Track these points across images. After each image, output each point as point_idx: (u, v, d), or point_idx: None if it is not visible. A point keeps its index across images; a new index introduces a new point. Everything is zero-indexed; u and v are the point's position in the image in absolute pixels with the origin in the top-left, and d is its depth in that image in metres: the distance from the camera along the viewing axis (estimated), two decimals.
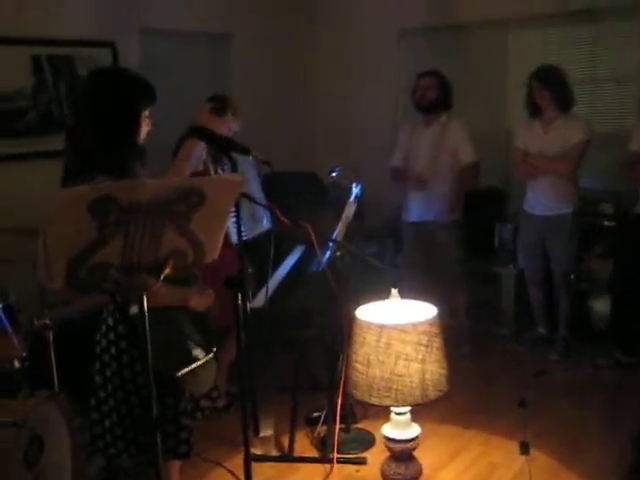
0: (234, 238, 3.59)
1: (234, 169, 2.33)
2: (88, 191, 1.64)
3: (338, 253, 3.47)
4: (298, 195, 5.18)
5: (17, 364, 2.88)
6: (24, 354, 2.94)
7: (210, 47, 5.44)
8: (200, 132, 2.35)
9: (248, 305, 2.61)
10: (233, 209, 3.51)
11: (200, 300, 2.39)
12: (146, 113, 2.31)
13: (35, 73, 4.23)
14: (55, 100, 4.32)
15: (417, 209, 4.55)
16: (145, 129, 2.32)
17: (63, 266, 1.64)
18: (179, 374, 2.36)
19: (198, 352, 2.43)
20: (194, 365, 2.41)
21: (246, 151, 2.33)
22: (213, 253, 1.93)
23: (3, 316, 2.88)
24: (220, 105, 3.53)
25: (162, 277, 1.82)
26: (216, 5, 5.30)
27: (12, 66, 4.13)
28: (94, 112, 2.25)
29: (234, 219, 3.63)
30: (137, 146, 2.30)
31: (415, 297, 2.95)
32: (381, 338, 2.67)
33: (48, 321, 3.03)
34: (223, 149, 2.33)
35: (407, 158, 4.57)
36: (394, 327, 2.67)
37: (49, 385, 3.00)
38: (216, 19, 5.32)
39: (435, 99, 4.37)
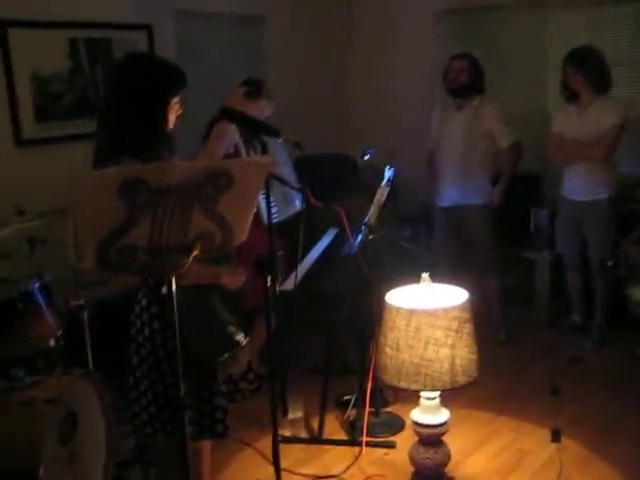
0: (266, 220, 3.61)
1: (264, 151, 2.32)
2: (117, 173, 1.65)
3: (370, 237, 3.46)
4: (331, 177, 5.17)
5: (52, 342, 2.94)
6: (59, 333, 3.00)
7: (244, 29, 5.43)
8: (231, 114, 2.36)
9: (278, 287, 2.63)
10: (264, 190, 3.57)
11: (232, 279, 2.39)
12: (175, 99, 2.31)
13: (72, 56, 4.27)
14: (91, 83, 4.36)
15: (449, 194, 4.50)
16: (174, 115, 2.32)
17: (93, 247, 1.67)
18: (221, 359, 2.38)
19: (240, 337, 2.44)
20: (236, 350, 2.43)
21: (276, 133, 2.34)
22: (241, 235, 1.94)
23: (39, 295, 2.94)
24: (254, 89, 3.52)
25: (190, 258, 1.83)
26: None
27: (49, 49, 4.17)
28: (124, 96, 2.26)
29: (265, 199, 3.68)
30: (165, 131, 2.31)
31: (447, 282, 2.93)
32: (411, 323, 2.66)
33: (82, 301, 3.08)
34: (253, 131, 2.33)
35: (438, 142, 4.53)
36: (424, 312, 2.66)
37: (83, 363, 3.06)
38: (249, 1, 5.30)
39: (467, 82, 4.30)
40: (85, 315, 3.08)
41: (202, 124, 3.27)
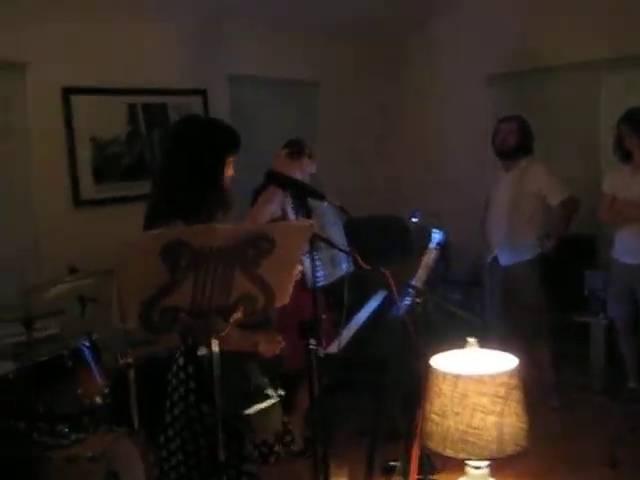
0: (310, 282, 3.62)
1: (308, 215, 2.35)
2: (160, 236, 1.69)
3: (418, 300, 3.43)
4: (381, 239, 5.18)
5: (99, 400, 2.97)
6: (106, 390, 3.03)
7: (296, 94, 5.57)
8: (275, 177, 2.39)
9: (322, 350, 2.61)
10: (310, 253, 3.59)
11: (269, 347, 2.38)
12: (230, 160, 2.35)
13: (130, 121, 4.45)
14: (148, 146, 4.52)
15: (498, 254, 4.48)
16: (228, 176, 2.36)
17: (136, 308, 1.70)
18: (249, 411, 2.36)
19: (270, 391, 2.43)
20: (265, 404, 2.41)
21: (321, 196, 2.36)
22: (283, 298, 1.95)
23: (87, 353, 2.99)
24: (296, 149, 3.61)
25: (232, 321, 1.85)
26: (302, 54, 5.43)
27: (109, 114, 4.36)
28: (181, 157, 2.30)
29: (311, 262, 3.70)
30: (220, 191, 2.33)
31: (498, 346, 2.86)
32: (457, 388, 2.60)
33: (131, 360, 3.12)
34: (298, 194, 2.36)
35: (488, 203, 4.55)
36: (470, 378, 2.59)
37: (129, 421, 3.08)
38: (303, 67, 5.45)
39: (515, 144, 4.32)
40: (132, 374, 3.12)
41: (253, 186, 3.34)
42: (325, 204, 2.52)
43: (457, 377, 2.63)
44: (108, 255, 2.86)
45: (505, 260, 4.43)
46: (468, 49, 5.70)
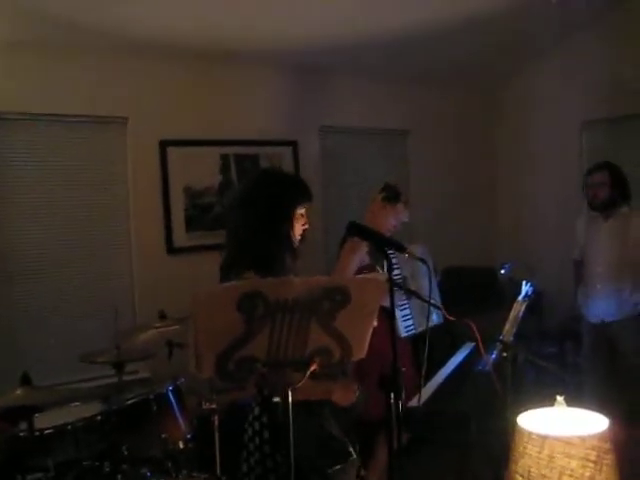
0: (401, 332, 3.57)
1: (390, 266, 2.33)
2: (236, 288, 1.72)
3: (504, 354, 3.32)
4: (472, 289, 5.08)
5: (182, 445, 3.01)
6: (189, 436, 3.07)
7: (387, 142, 5.61)
8: (355, 229, 2.39)
9: (403, 404, 2.56)
10: (403, 303, 3.54)
11: (344, 395, 2.36)
12: (301, 212, 2.39)
13: (223, 171, 4.59)
14: None
15: (599, 308, 4.25)
16: (299, 228, 2.40)
17: (212, 358, 1.72)
18: (332, 470, 2.33)
19: (352, 450, 2.40)
20: (347, 463, 2.38)
21: (401, 248, 2.34)
22: (360, 352, 1.93)
23: (172, 398, 3.05)
24: (392, 194, 3.60)
25: (308, 374, 1.84)
26: (393, 103, 5.48)
27: (203, 165, 4.52)
28: (251, 209, 2.35)
29: (403, 312, 3.65)
30: (289, 242, 2.37)
31: (592, 404, 2.72)
32: (543, 450, 2.47)
33: (215, 405, 3.15)
34: (379, 246, 2.35)
35: (585, 253, 4.34)
36: (558, 439, 2.46)
37: (211, 467, 3.10)
38: (393, 116, 5.49)
39: (609, 197, 4.13)
40: (216, 419, 3.14)
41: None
42: (406, 256, 2.49)
43: (544, 437, 2.51)
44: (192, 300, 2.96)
45: (608, 315, 4.19)
46: (562, 95, 5.59)
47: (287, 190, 2.38)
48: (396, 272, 3.49)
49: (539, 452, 2.50)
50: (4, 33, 3.73)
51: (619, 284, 4.13)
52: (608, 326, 4.19)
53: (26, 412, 2.61)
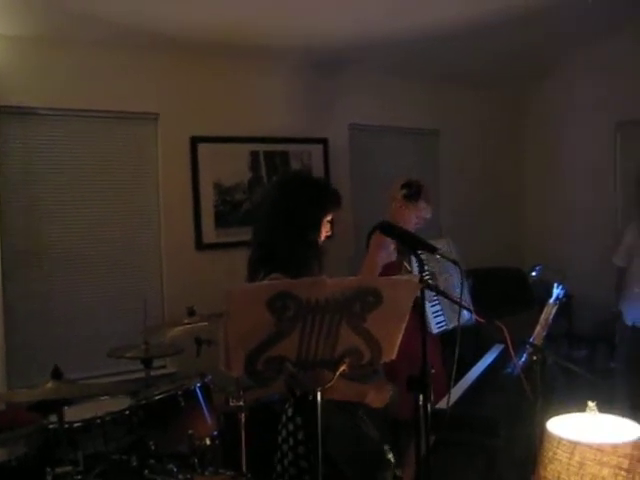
0: (433, 328, 3.54)
1: (421, 266, 2.30)
2: (267, 287, 1.72)
3: (534, 357, 3.27)
4: (501, 291, 5.03)
5: (208, 441, 3.01)
6: (215, 432, 3.07)
7: (417, 141, 5.57)
8: (386, 229, 2.37)
9: (430, 406, 2.53)
10: (434, 299, 3.51)
11: (377, 397, 2.35)
12: (328, 218, 2.38)
13: (252, 168, 4.59)
14: None
15: (638, 312, 4.20)
16: (324, 233, 2.39)
17: (241, 357, 1.72)
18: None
19: (391, 456, 2.38)
20: (389, 469, 2.37)
21: (432, 249, 2.31)
22: (390, 353, 1.92)
23: (200, 394, 3.05)
24: (413, 192, 3.53)
25: (337, 374, 1.83)
26: (424, 102, 5.44)
27: (234, 162, 4.53)
28: (279, 211, 2.35)
29: (434, 308, 3.61)
30: (316, 246, 2.36)
31: (626, 411, 2.67)
32: (573, 456, 2.43)
33: (242, 402, 3.15)
34: (409, 246, 2.33)
35: (630, 259, 4.29)
36: (589, 445, 2.41)
37: (236, 464, 3.10)
38: (424, 115, 5.45)
39: None
40: (243, 416, 3.14)
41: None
42: (438, 257, 2.47)
43: (574, 444, 2.46)
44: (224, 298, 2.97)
45: None
46: (596, 95, 5.51)
47: (318, 197, 2.37)
48: (425, 268, 3.46)
49: (569, 458, 2.45)
50: (35, 29, 3.77)
51: None
52: None
53: (56, 405, 2.64)
